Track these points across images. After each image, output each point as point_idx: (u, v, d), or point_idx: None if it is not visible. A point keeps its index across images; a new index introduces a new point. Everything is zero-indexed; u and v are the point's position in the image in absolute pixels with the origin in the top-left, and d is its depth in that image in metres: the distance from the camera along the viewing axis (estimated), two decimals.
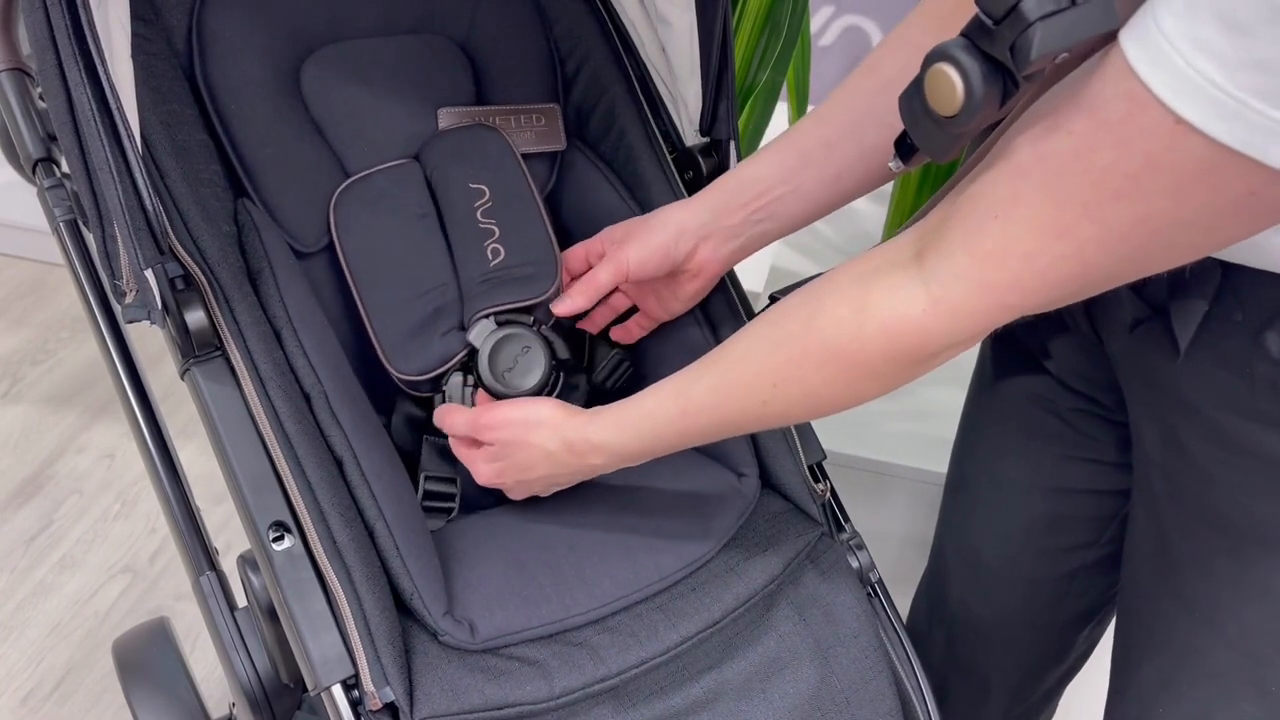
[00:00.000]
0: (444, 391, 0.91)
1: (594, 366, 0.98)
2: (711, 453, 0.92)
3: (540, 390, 0.90)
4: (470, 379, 0.90)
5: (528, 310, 0.91)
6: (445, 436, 0.89)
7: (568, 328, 0.94)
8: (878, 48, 0.80)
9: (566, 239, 0.98)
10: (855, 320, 0.61)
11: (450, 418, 0.86)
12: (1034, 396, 0.95)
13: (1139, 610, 0.87)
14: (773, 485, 0.91)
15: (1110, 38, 0.51)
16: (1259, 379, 0.68)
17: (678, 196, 0.95)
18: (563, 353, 0.92)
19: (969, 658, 1.12)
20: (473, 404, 0.90)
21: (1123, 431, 0.88)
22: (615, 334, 0.96)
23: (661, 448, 0.76)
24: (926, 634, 1.14)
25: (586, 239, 0.94)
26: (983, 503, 1.05)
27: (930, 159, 0.57)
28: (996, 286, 0.56)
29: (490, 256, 0.93)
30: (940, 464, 1.10)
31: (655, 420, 0.73)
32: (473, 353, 0.90)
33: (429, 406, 0.93)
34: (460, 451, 0.86)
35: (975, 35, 0.51)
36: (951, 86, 0.52)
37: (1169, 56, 0.47)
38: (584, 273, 0.91)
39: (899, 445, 1.41)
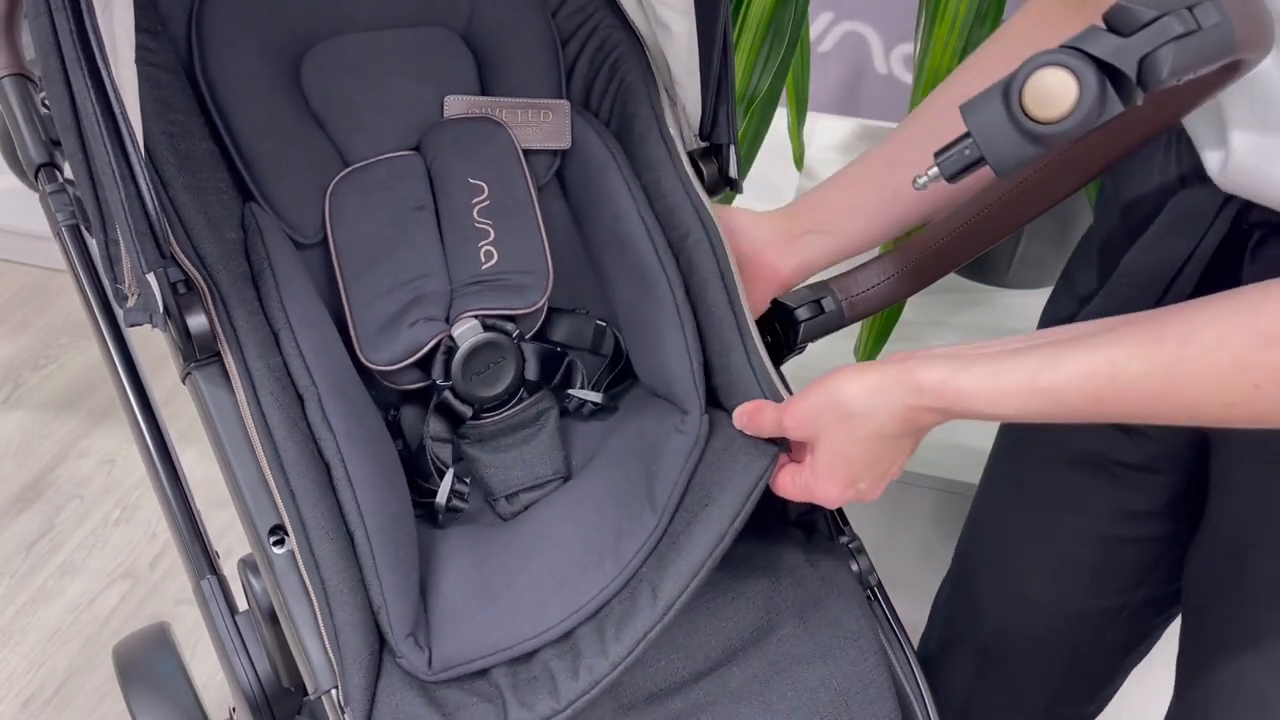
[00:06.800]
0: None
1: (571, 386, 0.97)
2: (657, 390, 0.91)
3: (497, 406, 0.92)
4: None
5: (512, 319, 0.92)
6: None
7: (548, 348, 0.95)
8: (949, 77, 0.84)
9: (571, 220, 0.99)
10: None
11: (758, 417, 0.79)
12: (1082, 454, 0.95)
13: (1205, 652, 0.87)
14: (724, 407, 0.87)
15: (1229, 68, 0.53)
16: None
17: (681, 179, 0.93)
18: (531, 373, 0.93)
19: (1002, 679, 1.11)
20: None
21: (1172, 479, 0.90)
22: None
23: (1028, 416, 0.64)
24: (951, 653, 1.14)
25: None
26: (1027, 550, 1.05)
27: (994, 172, 0.56)
28: None
29: (483, 259, 0.93)
30: (939, 468, 1.09)
31: (1054, 395, 0.61)
32: (450, 349, 0.90)
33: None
34: (781, 477, 0.80)
35: (1092, 45, 0.52)
36: (1064, 88, 0.52)
37: None
38: None
39: None
